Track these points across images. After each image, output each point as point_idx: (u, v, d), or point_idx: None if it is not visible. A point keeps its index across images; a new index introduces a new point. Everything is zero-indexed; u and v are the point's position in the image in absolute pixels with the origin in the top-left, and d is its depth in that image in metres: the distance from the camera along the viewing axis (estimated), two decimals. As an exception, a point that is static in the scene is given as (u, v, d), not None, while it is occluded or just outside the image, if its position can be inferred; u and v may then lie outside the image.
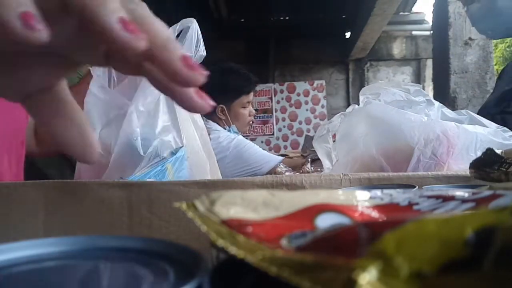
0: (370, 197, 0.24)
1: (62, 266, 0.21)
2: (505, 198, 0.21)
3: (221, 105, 1.58)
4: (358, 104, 0.78)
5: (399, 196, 0.24)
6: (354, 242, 0.15)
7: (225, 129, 1.59)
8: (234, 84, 1.59)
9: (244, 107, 1.62)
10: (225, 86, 1.55)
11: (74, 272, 0.21)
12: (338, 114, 0.81)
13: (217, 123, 1.60)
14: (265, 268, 0.14)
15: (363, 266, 0.12)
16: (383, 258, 0.13)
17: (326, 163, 0.77)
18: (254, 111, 1.69)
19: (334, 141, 0.80)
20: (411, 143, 0.59)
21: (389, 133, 0.62)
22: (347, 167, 0.63)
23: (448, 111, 0.71)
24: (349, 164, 0.64)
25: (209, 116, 1.59)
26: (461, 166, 0.59)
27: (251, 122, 1.68)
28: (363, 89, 0.80)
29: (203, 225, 0.18)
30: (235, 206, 0.20)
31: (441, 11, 2.31)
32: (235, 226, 0.18)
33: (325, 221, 0.20)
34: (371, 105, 0.67)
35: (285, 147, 4.53)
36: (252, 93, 1.64)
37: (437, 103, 0.72)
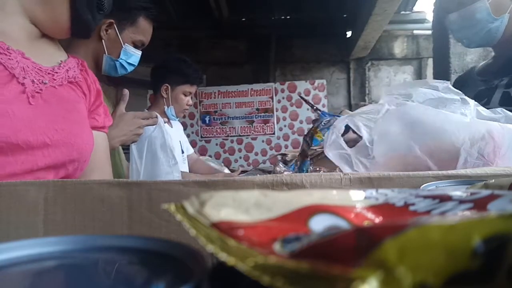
0: (365, 197, 0.23)
1: (62, 265, 0.21)
2: (504, 199, 0.20)
3: (166, 84, 1.84)
4: (368, 103, 0.75)
5: (395, 196, 0.23)
6: (352, 248, 0.14)
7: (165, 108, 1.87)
8: (184, 71, 1.86)
9: (185, 95, 1.89)
10: (176, 70, 1.84)
11: (74, 271, 0.21)
12: (343, 117, 0.77)
13: (158, 101, 1.87)
14: (257, 277, 0.13)
15: (363, 276, 0.11)
16: (384, 267, 0.12)
17: (345, 169, 0.73)
18: (191, 103, 1.95)
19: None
20: (456, 144, 0.58)
21: (433, 134, 0.60)
22: (387, 167, 0.61)
23: (483, 110, 0.69)
24: (389, 164, 0.62)
25: (155, 92, 1.89)
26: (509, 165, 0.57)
27: (186, 110, 1.95)
28: (387, 88, 0.77)
29: (192, 228, 0.17)
30: (226, 208, 0.19)
31: (441, 10, 2.30)
32: (226, 229, 0.17)
33: (319, 223, 0.19)
34: (406, 106, 0.65)
35: (286, 147, 4.51)
36: (195, 87, 1.92)
37: (472, 102, 0.69)
